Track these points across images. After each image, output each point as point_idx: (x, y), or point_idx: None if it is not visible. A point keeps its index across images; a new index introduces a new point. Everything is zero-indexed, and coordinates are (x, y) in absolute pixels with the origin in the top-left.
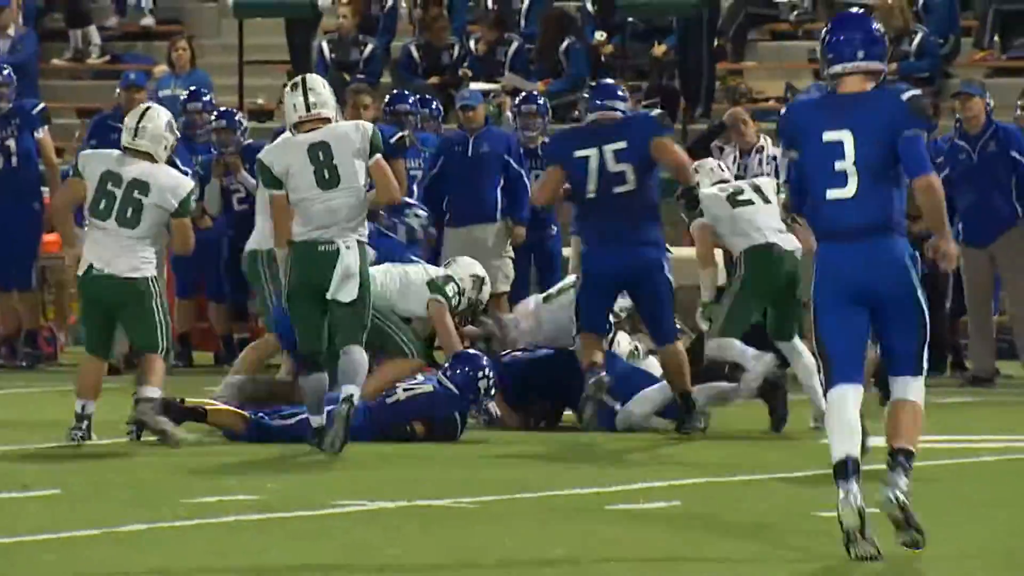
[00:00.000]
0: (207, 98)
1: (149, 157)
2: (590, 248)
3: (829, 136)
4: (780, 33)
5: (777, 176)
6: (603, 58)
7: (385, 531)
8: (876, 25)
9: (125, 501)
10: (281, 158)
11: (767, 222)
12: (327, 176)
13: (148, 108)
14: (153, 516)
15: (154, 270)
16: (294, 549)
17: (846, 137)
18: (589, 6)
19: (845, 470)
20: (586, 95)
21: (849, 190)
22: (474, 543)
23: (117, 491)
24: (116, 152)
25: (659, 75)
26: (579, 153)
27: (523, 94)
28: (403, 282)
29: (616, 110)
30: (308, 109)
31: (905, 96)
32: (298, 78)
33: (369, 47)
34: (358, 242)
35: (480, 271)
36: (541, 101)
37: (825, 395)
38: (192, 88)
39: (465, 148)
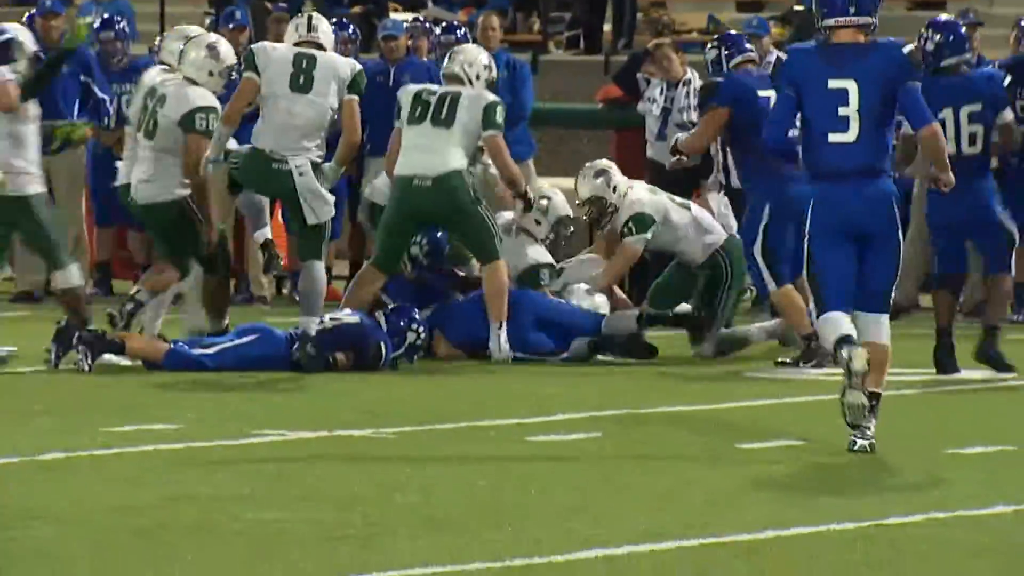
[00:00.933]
0: (121, 26)
1: None
2: None
3: (834, 84)
4: None
5: (700, 109)
6: None
7: (305, 461)
8: None
9: (45, 430)
10: (268, 53)
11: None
12: (301, 82)
13: None
14: (72, 445)
15: None
16: (213, 478)
17: (851, 85)
18: None
19: (848, 339)
20: None
21: (851, 135)
22: (394, 473)
23: (37, 420)
24: None
25: (582, 6)
26: None
27: (443, 24)
28: None
29: None
30: (309, 30)
31: (905, 50)
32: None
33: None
34: (312, 163)
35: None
36: (461, 32)
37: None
38: (105, 16)
39: (387, 78)
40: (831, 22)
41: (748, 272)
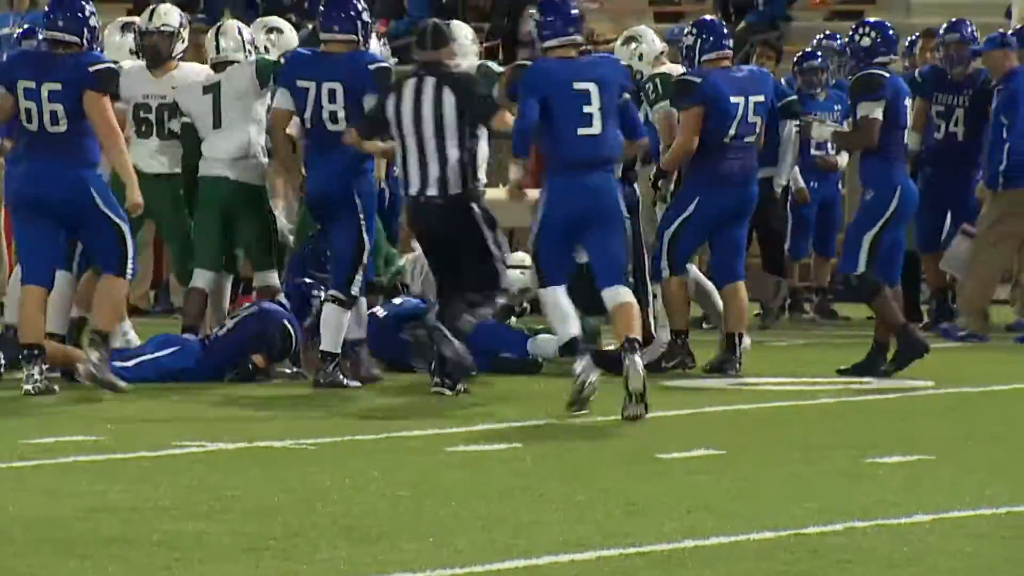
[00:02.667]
0: (43, 36)
1: None
2: None
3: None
4: None
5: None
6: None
7: (225, 472)
8: (574, 5)
9: None
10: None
11: None
12: None
13: None
14: None
15: None
16: (133, 490)
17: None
18: None
19: (576, 346)
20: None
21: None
22: (315, 484)
23: None
24: None
25: (501, 17)
26: None
27: None
28: None
29: None
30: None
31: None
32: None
33: None
34: None
35: None
36: (381, 42)
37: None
38: (26, 26)
39: None
40: (554, 43)
41: (843, 252)
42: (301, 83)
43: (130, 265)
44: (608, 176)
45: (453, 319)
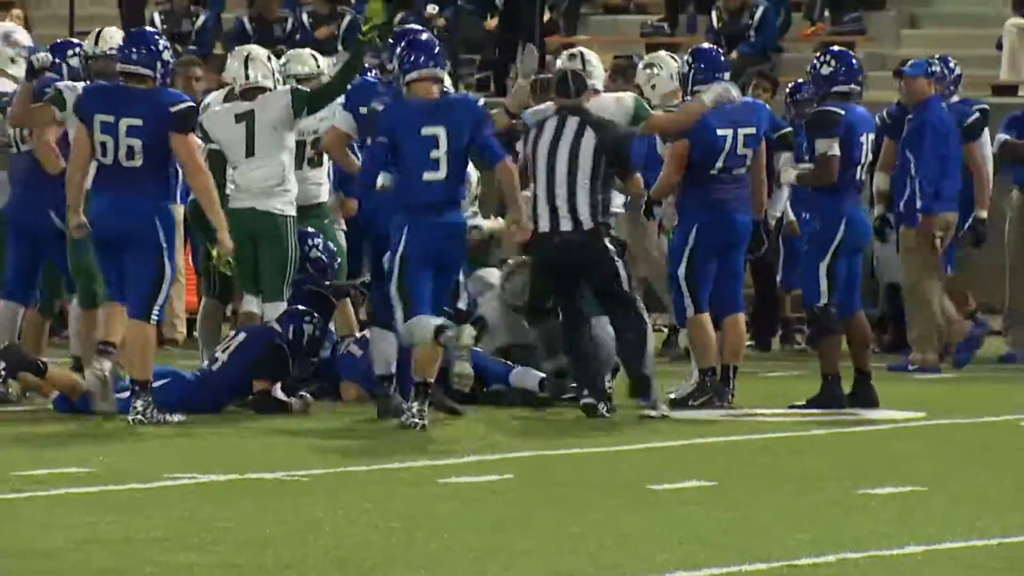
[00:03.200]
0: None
1: None
2: None
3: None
4: (612, 7)
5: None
6: (436, 31)
7: (216, 504)
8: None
9: None
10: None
11: None
12: None
13: None
14: None
15: None
16: (125, 522)
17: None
18: None
19: (444, 326)
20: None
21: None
22: (307, 516)
23: None
24: None
25: (492, 49)
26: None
27: None
28: None
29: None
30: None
31: (480, 102)
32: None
33: (201, 18)
34: None
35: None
36: (372, 73)
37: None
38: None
39: None
40: (414, 75)
41: (803, 287)
42: (364, 110)
43: (155, 311)
44: (457, 215)
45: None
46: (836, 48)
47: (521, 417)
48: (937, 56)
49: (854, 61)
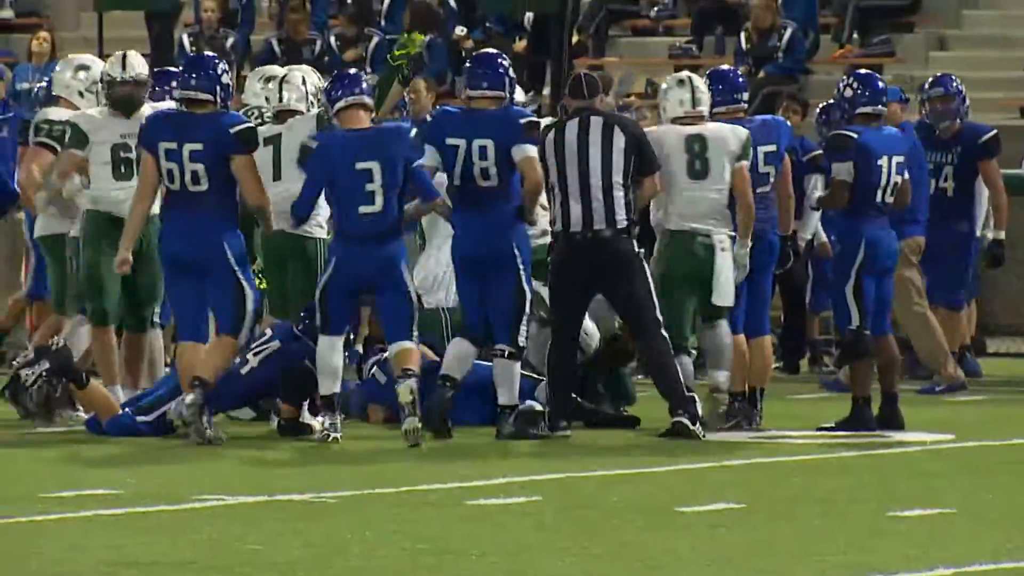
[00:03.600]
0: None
1: None
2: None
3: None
4: (641, 29)
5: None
6: (464, 53)
7: (245, 526)
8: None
9: None
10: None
11: None
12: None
13: None
14: (10, 511)
15: None
16: (153, 544)
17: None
18: (452, 2)
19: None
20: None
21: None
22: (335, 538)
23: None
24: None
25: (521, 71)
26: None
27: None
28: None
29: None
30: (694, 105)
31: (413, 132)
32: (685, 75)
33: (230, 40)
34: None
35: None
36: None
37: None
38: (47, 79)
39: None
40: (342, 103)
41: (833, 311)
42: (451, 141)
43: (245, 330)
44: (396, 242)
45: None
46: (862, 71)
47: (548, 439)
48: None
49: (880, 84)
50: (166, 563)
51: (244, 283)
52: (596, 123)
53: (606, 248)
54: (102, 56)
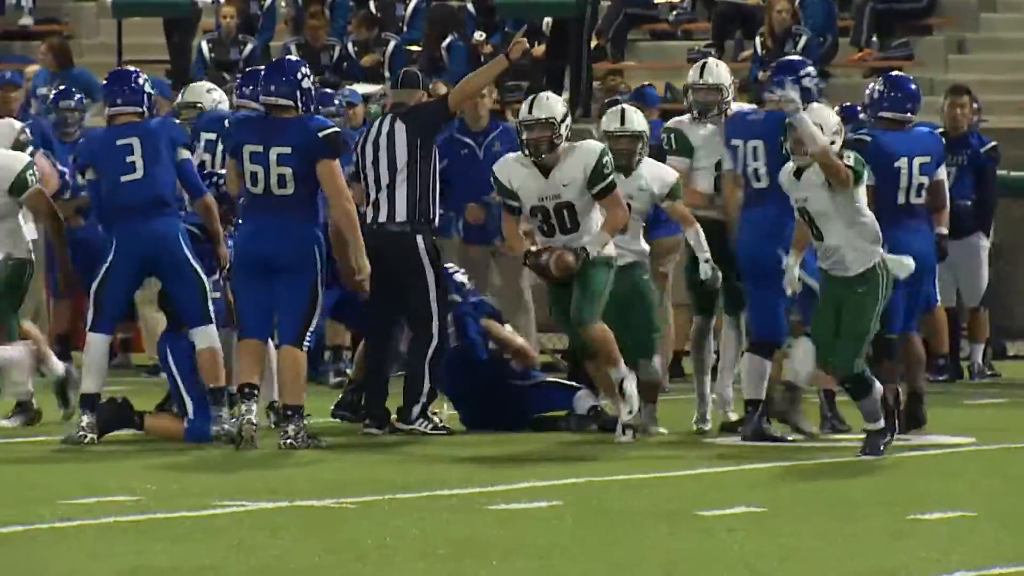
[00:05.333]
0: (78, 97)
1: None
2: None
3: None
4: (659, 33)
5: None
6: (483, 57)
7: (266, 531)
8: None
9: (2, 501)
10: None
11: None
12: None
13: None
14: (30, 517)
15: None
16: (174, 550)
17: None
18: (470, 6)
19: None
20: None
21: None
22: (356, 544)
23: None
24: None
25: (540, 75)
26: None
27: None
28: None
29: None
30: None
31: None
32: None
33: (249, 46)
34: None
35: None
36: None
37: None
38: (61, 87)
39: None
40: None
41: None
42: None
43: (309, 336)
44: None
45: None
46: (894, 73)
47: (570, 443)
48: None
49: (910, 88)
50: (186, 569)
51: (317, 289)
52: (389, 119)
53: (388, 243)
54: (120, 63)
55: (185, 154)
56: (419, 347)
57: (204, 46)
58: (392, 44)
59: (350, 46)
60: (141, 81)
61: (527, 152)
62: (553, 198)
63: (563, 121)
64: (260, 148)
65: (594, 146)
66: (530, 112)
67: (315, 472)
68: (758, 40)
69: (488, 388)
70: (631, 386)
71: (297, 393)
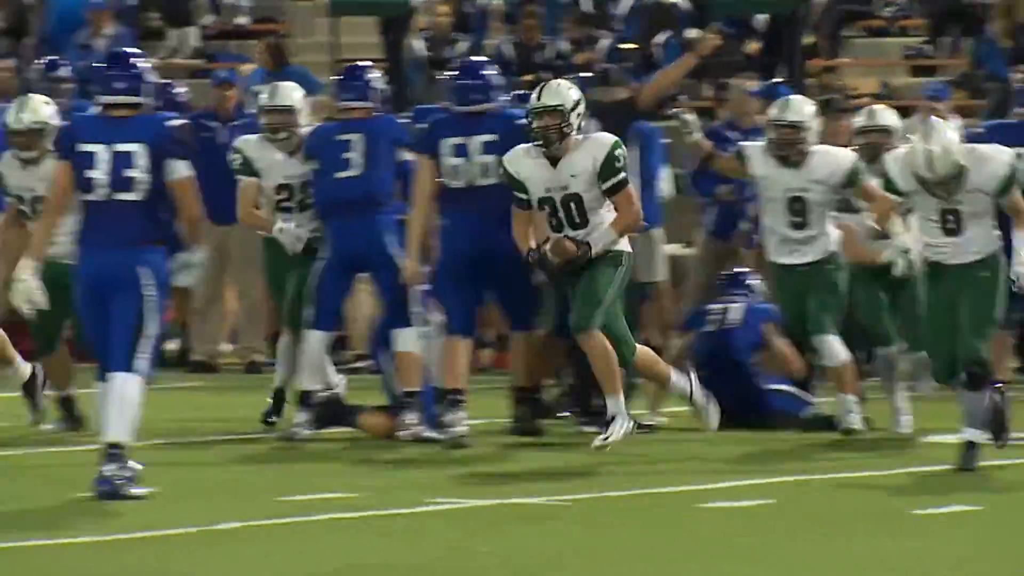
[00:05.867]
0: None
1: None
2: None
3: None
4: (875, 29)
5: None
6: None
7: (479, 530)
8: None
9: (221, 499)
10: None
11: None
12: None
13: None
14: (248, 514)
15: None
16: (388, 548)
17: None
18: (684, 3)
19: None
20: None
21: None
22: (568, 542)
23: (213, 489)
24: None
25: (753, 72)
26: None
27: None
28: None
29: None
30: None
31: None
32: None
33: (462, 45)
34: None
35: None
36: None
37: None
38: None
39: None
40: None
41: None
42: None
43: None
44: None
45: None
46: None
47: (777, 440)
48: None
49: None
50: (400, 567)
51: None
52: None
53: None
54: (335, 62)
55: (405, 155)
56: None
57: (418, 44)
58: (604, 42)
59: (565, 44)
60: (369, 78)
61: (537, 141)
62: (560, 189)
63: (574, 110)
64: (461, 140)
65: (607, 138)
66: (539, 99)
67: (528, 470)
68: (993, 34)
69: (736, 385)
70: (619, 425)
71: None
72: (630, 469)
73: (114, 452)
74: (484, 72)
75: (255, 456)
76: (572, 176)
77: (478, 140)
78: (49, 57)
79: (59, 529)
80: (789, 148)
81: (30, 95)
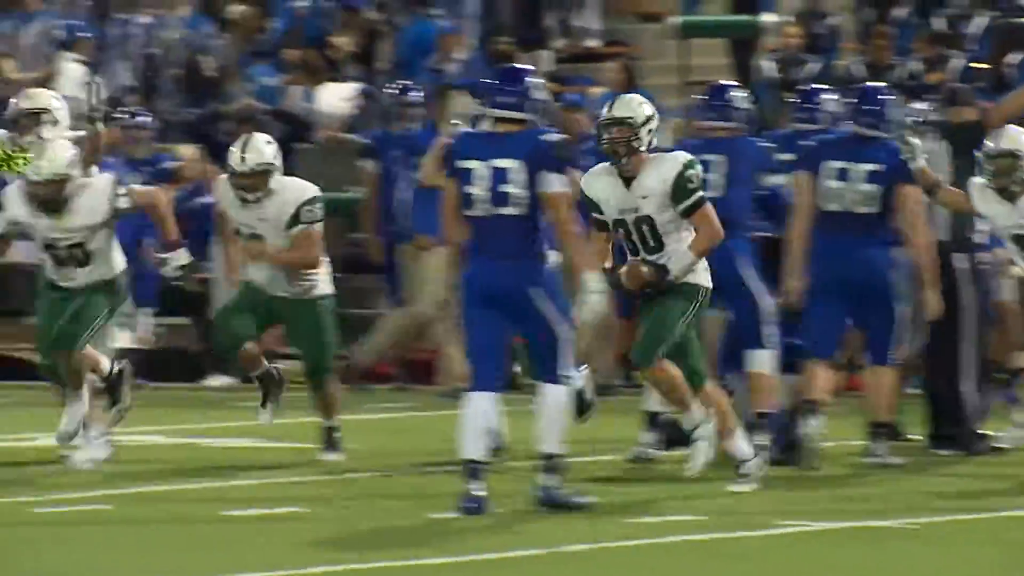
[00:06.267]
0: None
1: None
2: None
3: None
4: None
5: None
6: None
7: (824, 552)
8: None
9: (568, 519)
10: None
11: None
12: None
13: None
14: (596, 536)
15: None
16: (734, 570)
17: None
18: None
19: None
20: None
21: None
22: (917, 567)
23: (560, 509)
24: None
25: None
26: None
27: None
28: None
29: None
30: None
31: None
32: None
33: (811, 65)
34: None
35: None
36: None
37: None
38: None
39: None
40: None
41: None
42: None
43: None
44: None
45: None
46: None
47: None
48: None
49: None
50: None
51: (897, 304)
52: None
53: None
54: (683, 84)
55: (769, 180)
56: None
57: (768, 65)
58: (956, 62)
59: (916, 64)
60: (732, 96)
61: (608, 157)
62: (632, 211)
63: (644, 124)
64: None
65: (680, 157)
66: (609, 111)
67: (882, 491)
68: None
69: None
70: (704, 436)
71: (887, 408)
72: (979, 489)
73: (550, 464)
74: (881, 97)
75: (603, 476)
76: (643, 197)
77: (863, 168)
78: (401, 82)
79: (416, 548)
80: (1005, 179)
81: (253, 134)
